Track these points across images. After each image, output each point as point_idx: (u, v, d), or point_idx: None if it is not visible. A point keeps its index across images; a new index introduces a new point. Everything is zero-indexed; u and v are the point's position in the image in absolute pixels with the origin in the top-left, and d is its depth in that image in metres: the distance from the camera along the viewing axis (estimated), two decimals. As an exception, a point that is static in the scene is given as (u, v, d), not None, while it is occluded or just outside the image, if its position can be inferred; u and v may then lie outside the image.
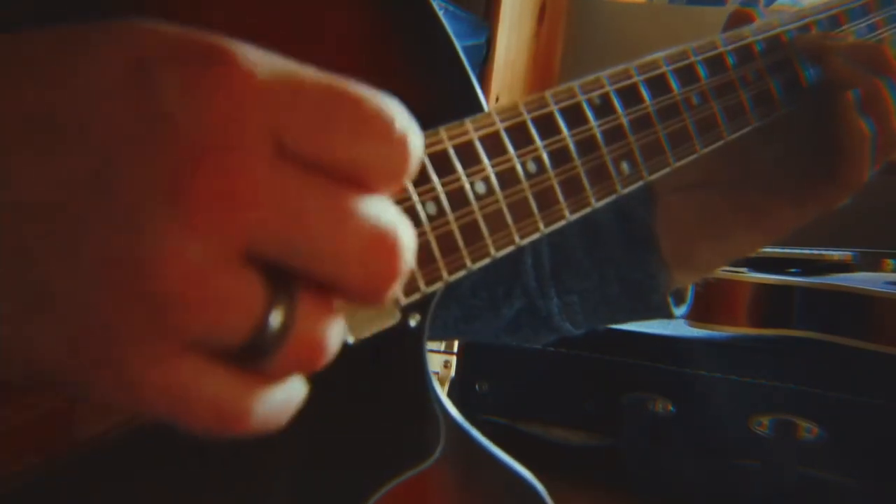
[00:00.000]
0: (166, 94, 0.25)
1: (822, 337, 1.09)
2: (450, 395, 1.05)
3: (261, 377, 0.27)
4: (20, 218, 0.24)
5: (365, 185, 0.27)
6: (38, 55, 0.26)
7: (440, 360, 1.16)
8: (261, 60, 0.27)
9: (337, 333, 0.28)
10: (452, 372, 1.18)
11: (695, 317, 1.17)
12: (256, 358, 0.26)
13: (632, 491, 1.14)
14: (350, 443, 0.44)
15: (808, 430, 1.06)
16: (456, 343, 1.17)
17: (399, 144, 0.28)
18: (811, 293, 1.10)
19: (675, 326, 1.20)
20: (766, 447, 1.08)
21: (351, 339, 0.36)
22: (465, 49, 0.53)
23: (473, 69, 0.48)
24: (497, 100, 1.54)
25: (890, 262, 1.19)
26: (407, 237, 0.27)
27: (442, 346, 1.17)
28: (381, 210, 0.27)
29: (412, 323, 0.45)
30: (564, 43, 1.79)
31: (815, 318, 1.09)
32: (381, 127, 0.27)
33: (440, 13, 0.49)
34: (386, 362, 0.44)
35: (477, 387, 1.21)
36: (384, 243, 0.27)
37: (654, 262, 0.62)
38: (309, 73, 0.27)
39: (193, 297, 0.24)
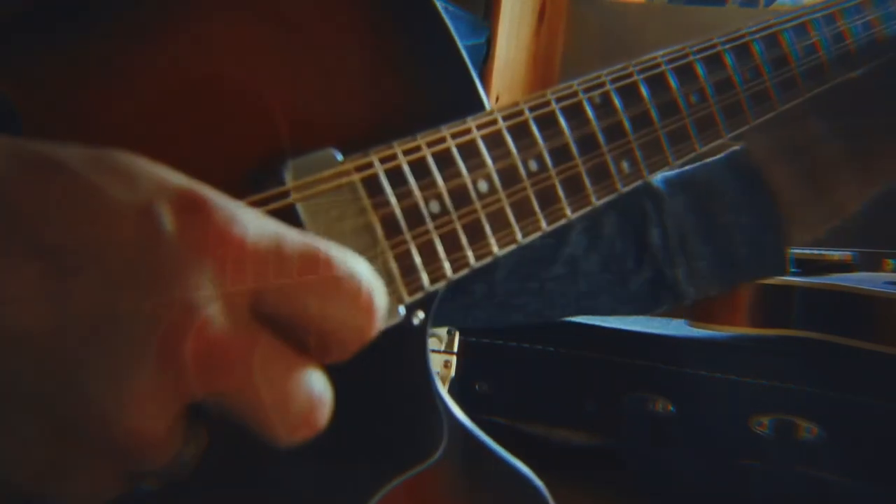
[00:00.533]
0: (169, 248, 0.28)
1: (822, 337, 1.09)
2: (449, 395, 1.05)
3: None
4: None
5: (325, 348, 0.31)
6: None
7: (440, 360, 1.16)
8: (249, 222, 0.30)
9: None
10: (452, 372, 1.18)
11: (695, 317, 1.17)
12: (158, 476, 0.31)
13: (632, 491, 1.14)
14: (352, 441, 0.44)
15: (807, 430, 1.06)
16: (456, 343, 1.17)
17: (365, 310, 0.31)
18: (811, 293, 1.10)
19: (676, 327, 1.20)
20: (766, 447, 1.08)
21: None
22: (465, 49, 0.53)
23: (474, 69, 0.48)
24: (497, 99, 1.54)
25: (890, 262, 1.19)
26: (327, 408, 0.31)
27: (442, 345, 1.17)
28: (318, 381, 0.31)
29: (415, 321, 0.45)
30: (564, 43, 1.79)
31: (815, 318, 1.09)
32: (350, 292, 0.31)
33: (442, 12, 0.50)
34: (389, 360, 0.45)
35: (477, 387, 1.21)
36: (314, 414, 0.31)
37: (779, 223, 0.65)
38: (290, 235, 0.30)
39: (136, 447, 0.28)
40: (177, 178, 0.30)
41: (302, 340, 0.31)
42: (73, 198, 0.28)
